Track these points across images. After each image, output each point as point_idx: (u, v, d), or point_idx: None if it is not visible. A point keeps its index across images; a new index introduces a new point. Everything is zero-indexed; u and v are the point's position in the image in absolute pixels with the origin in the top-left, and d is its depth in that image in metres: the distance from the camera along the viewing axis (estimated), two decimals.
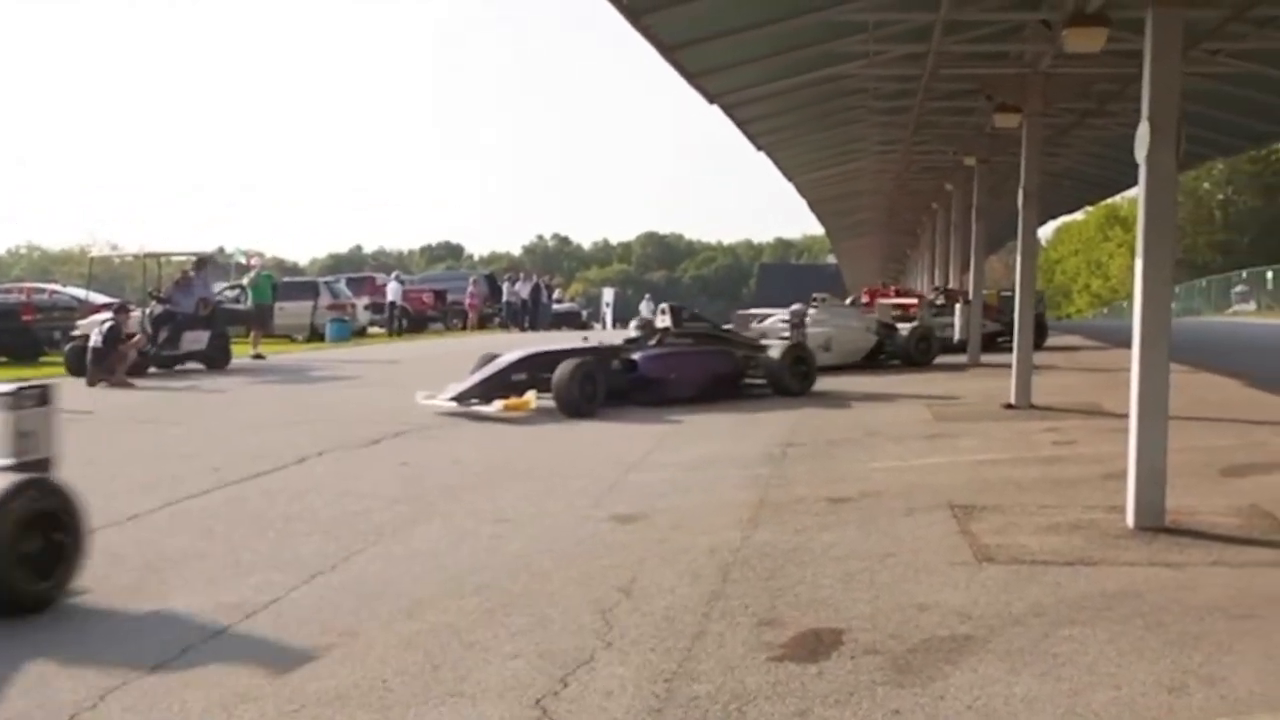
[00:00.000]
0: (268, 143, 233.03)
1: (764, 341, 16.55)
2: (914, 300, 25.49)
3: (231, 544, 6.95)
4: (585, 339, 16.16)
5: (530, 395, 13.19)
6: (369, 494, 8.51)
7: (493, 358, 14.17)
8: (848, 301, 27.00)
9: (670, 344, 14.89)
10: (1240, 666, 4.70)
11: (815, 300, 20.10)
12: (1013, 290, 15.97)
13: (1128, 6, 10.42)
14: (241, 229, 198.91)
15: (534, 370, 13.80)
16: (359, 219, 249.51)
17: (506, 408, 12.93)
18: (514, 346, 15.55)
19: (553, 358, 13.76)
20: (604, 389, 13.44)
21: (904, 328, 21.13)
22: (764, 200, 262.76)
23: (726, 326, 17.58)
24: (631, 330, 15.65)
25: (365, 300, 35.46)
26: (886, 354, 20.35)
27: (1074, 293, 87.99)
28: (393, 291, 35.50)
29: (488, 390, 13.39)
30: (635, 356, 14.39)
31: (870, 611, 5.48)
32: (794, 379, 15.22)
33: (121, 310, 18.44)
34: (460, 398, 13.31)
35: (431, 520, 7.64)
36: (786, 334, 17.50)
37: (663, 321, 15.15)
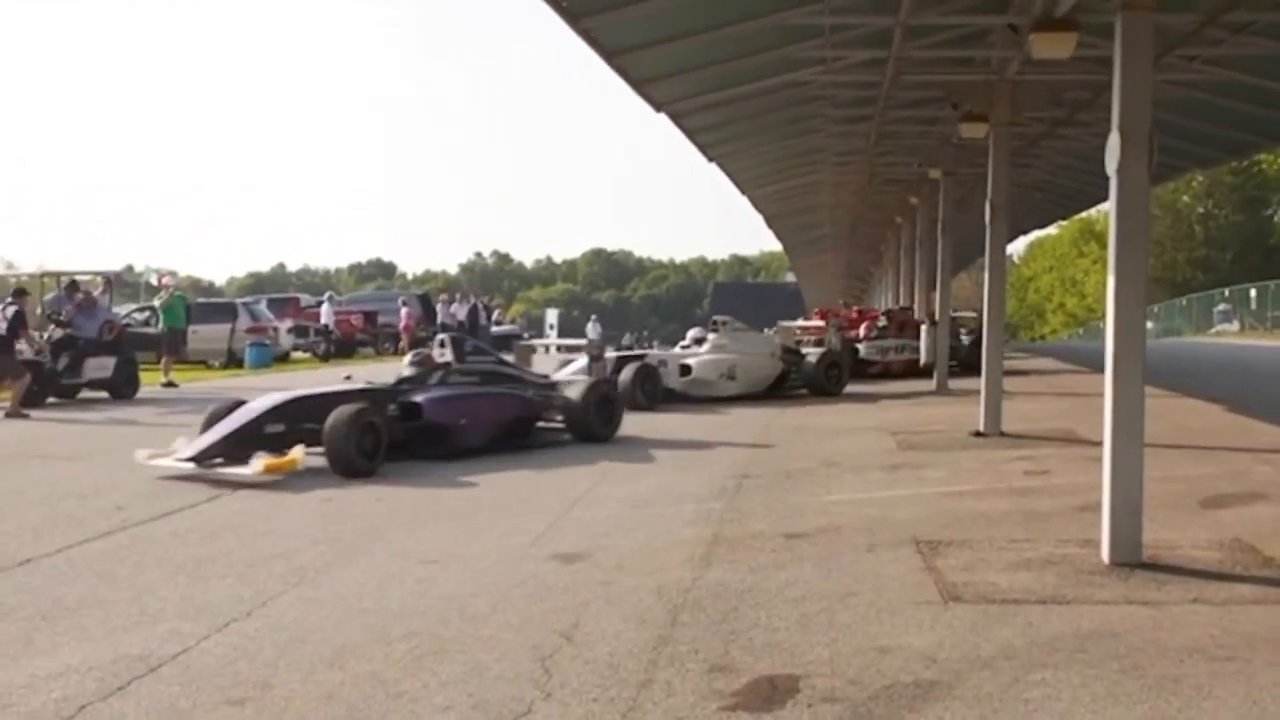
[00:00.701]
0: (181, 155, 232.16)
1: (564, 377, 15.75)
2: (821, 324, 25.74)
3: (136, 590, 6.84)
4: (348, 377, 14.85)
5: (297, 451, 10.89)
6: (288, 534, 8.42)
7: (236, 405, 11.94)
8: (797, 323, 27.19)
9: (455, 383, 13.22)
10: (1221, 713, 4.74)
11: (716, 324, 20.01)
12: (964, 310, 16.16)
13: (1097, 10, 10.60)
14: (152, 245, 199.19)
15: (295, 420, 11.66)
16: (282, 235, 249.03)
17: (268, 469, 10.57)
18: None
19: (320, 402, 11.76)
20: (386, 440, 11.47)
21: (814, 352, 21.24)
22: (718, 215, 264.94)
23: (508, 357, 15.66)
24: (407, 368, 13.33)
25: (288, 323, 35.18)
26: (793, 383, 20.29)
27: (1048, 312, 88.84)
28: (325, 314, 35.28)
29: (235, 446, 11.09)
30: (418, 399, 12.43)
31: (829, 655, 5.47)
32: (599, 422, 13.80)
33: (20, 294, 18.21)
34: (199, 457, 11.04)
35: (356, 561, 7.56)
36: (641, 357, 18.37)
37: (443, 355, 13.53)
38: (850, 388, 20.75)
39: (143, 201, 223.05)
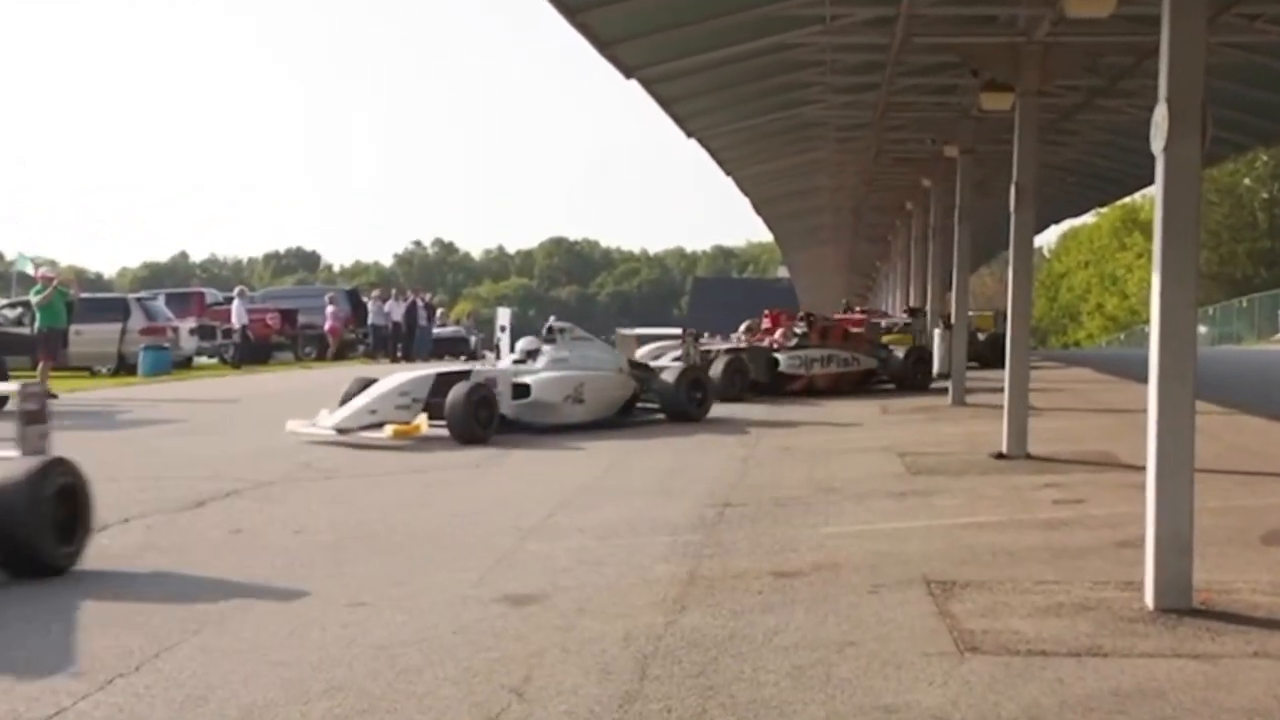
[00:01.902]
0: (74, 131, 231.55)
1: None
2: (677, 331, 25.27)
3: (5, 640, 6.76)
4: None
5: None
6: (191, 571, 8.35)
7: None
8: (740, 330, 26.84)
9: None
10: None
11: (552, 331, 18.34)
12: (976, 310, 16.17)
13: None
14: (30, 232, 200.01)
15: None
16: (184, 220, 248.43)
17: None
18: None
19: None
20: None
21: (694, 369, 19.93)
22: (698, 200, 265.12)
23: None
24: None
25: (191, 322, 34.98)
26: (644, 404, 18.82)
27: (1083, 314, 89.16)
28: (238, 312, 35.04)
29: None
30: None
31: (825, 715, 5.45)
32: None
33: None
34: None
35: (269, 604, 7.50)
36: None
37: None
38: (755, 410, 19.94)
39: (143, 201, 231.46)
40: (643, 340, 26.29)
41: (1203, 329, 52.66)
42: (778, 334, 24.00)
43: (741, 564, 8.51)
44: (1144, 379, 7.47)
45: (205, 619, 7.12)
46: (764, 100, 20.97)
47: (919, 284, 33.38)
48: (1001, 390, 14.87)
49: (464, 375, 16.58)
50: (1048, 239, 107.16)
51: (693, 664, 6.21)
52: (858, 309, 36.89)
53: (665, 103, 19.00)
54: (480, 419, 15.64)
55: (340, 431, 15.41)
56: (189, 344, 34.18)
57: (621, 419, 18.05)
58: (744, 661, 6.24)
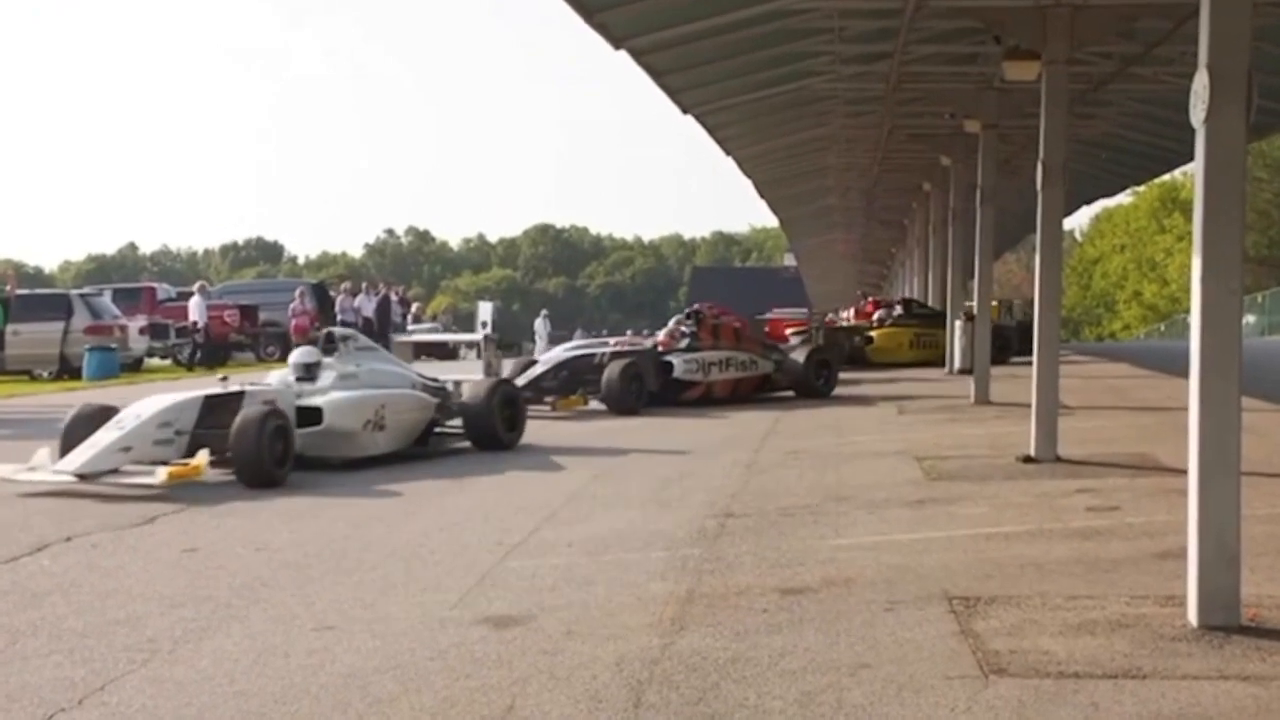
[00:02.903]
0: (12, 114, 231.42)
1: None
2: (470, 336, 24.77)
3: None
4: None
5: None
6: (139, 594, 8.32)
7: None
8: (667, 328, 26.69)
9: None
10: None
11: (333, 339, 15.88)
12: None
13: None
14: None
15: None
16: (133, 209, 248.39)
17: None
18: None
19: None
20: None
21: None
22: (696, 182, 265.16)
23: None
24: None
25: (141, 320, 34.94)
26: (442, 430, 16.60)
27: (1119, 303, 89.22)
28: (196, 309, 34.95)
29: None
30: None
31: None
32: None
33: None
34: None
35: (227, 629, 7.47)
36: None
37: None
38: (630, 429, 19.69)
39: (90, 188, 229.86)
40: (421, 349, 25.38)
41: (1249, 318, 52.62)
42: (662, 334, 23.23)
43: (745, 580, 8.49)
44: (1185, 373, 7.45)
45: (156, 646, 7.09)
46: (766, 72, 20.95)
47: (938, 272, 33.41)
48: (1012, 382, 14.83)
49: (238, 397, 13.77)
50: (1079, 221, 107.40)
51: (692, 690, 6.19)
52: (872, 299, 37.06)
53: (658, 75, 18.97)
54: (275, 454, 12.90)
55: (82, 478, 12.46)
56: (139, 344, 34.12)
57: (419, 449, 15.78)
58: (748, 687, 6.22)
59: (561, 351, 23.10)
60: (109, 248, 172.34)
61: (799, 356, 24.26)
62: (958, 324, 27.38)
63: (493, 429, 15.96)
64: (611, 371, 20.72)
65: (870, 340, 32.52)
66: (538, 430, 17.51)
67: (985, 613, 7.47)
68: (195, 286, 37.37)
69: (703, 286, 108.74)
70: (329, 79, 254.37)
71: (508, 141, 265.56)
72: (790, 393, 23.64)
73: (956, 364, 26.97)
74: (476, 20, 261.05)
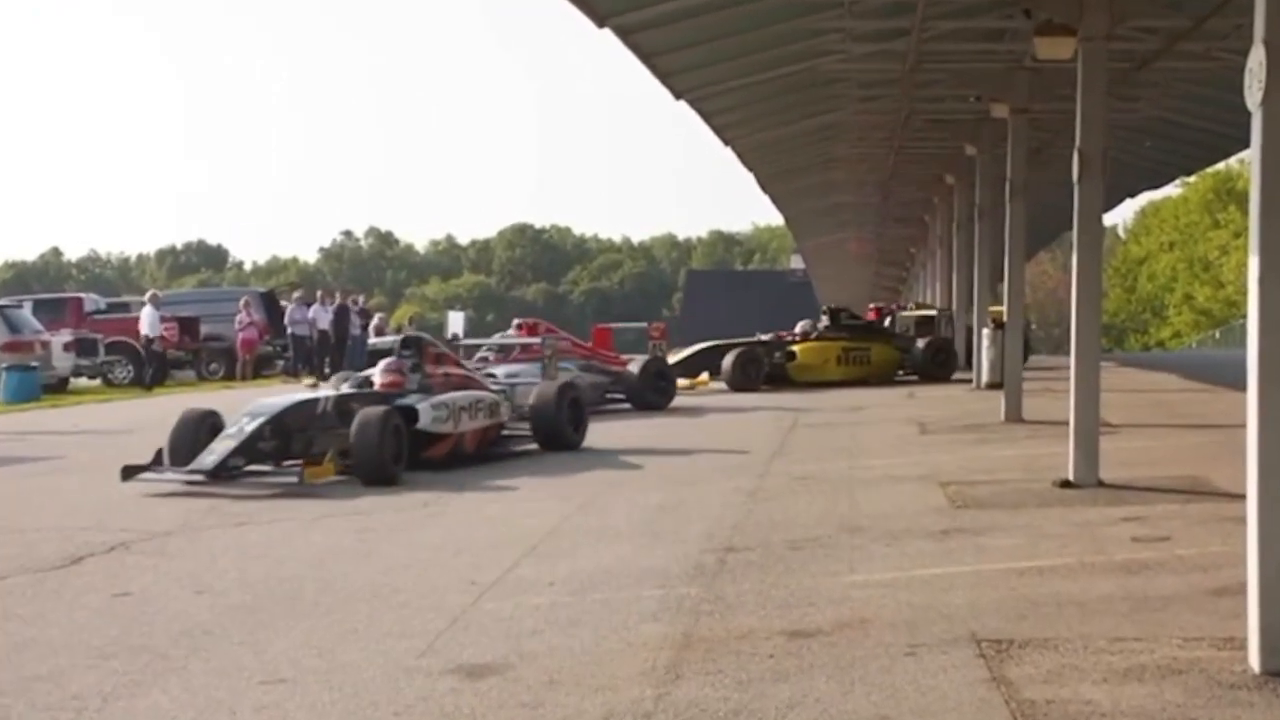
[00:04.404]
0: None
1: None
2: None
3: None
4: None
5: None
6: (62, 645, 8.29)
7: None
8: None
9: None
10: None
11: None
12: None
13: None
14: None
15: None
16: (57, 210, 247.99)
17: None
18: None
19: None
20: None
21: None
22: (691, 177, 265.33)
23: None
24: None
25: (66, 335, 34.80)
26: None
27: (1168, 308, 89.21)
28: (148, 321, 34.71)
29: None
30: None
31: None
32: None
33: None
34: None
35: (164, 683, 7.45)
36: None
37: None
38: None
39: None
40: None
41: None
42: (380, 374, 17.94)
43: (748, 622, 8.49)
44: (1242, 386, 7.45)
45: (82, 704, 7.07)
46: (769, 52, 20.99)
47: (963, 274, 33.45)
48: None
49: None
50: (1123, 216, 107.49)
51: None
52: (874, 306, 37.21)
53: (647, 57, 19.00)
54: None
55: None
56: (64, 362, 33.92)
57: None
58: None
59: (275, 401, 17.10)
60: (29, 253, 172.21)
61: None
62: (985, 333, 27.42)
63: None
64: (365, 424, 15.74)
65: (792, 356, 32.30)
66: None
67: (1019, 657, 7.47)
68: (146, 296, 37.20)
69: (699, 293, 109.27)
70: (275, 63, 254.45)
71: (480, 132, 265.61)
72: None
73: (984, 378, 27.01)
74: (448, 2, 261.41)
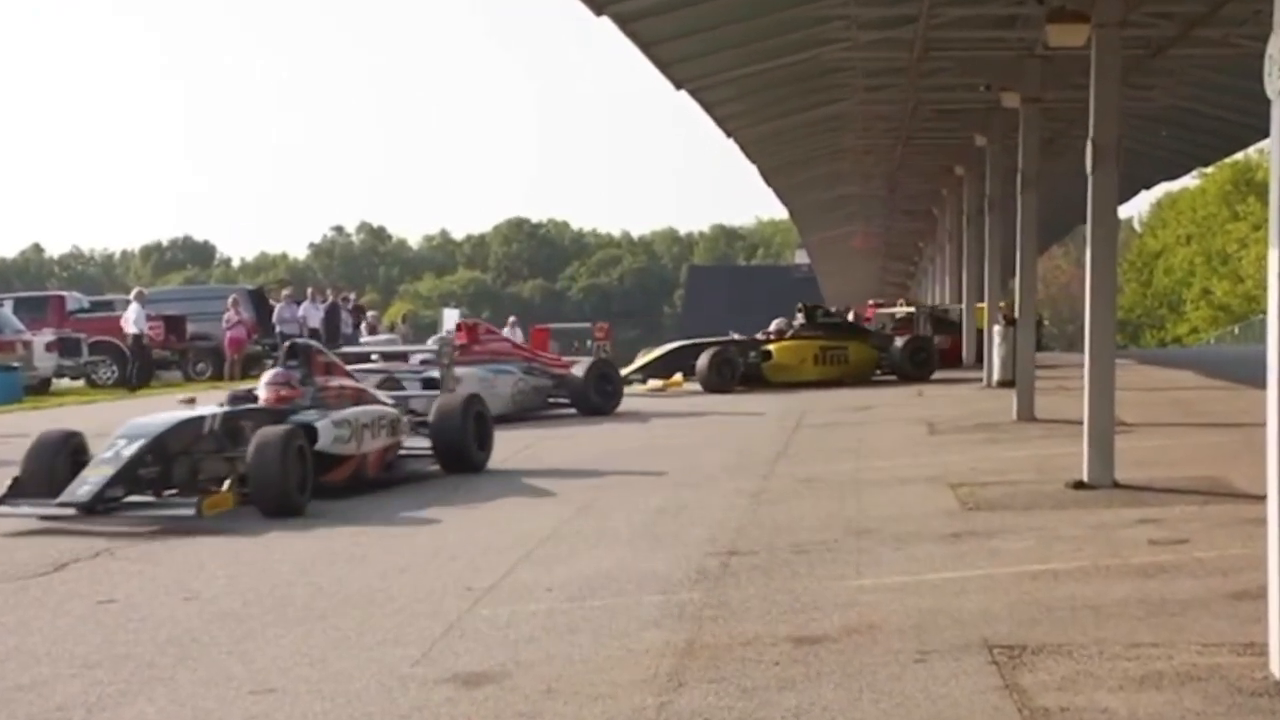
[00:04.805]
0: None
1: None
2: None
3: None
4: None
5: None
6: (45, 654, 8.29)
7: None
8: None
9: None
10: None
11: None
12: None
13: None
14: None
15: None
16: (38, 205, 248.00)
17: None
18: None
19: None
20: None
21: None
22: (693, 169, 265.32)
23: None
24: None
25: (48, 335, 34.78)
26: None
27: (1186, 303, 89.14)
28: (134, 318, 34.65)
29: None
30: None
31: None
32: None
33: None
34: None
35: (150, 693, 7.45)
36: None
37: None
38: None
39: None
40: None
41: None
42: (264, 380, 16.00)
43: (752, 628, 8.49)
44: (1262, 384, 7.44)
45: (66, 715, 7.07)
46: (772, 40, 20.99)
47: (973, 269, 33.45)
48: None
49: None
50: (1138, 209, 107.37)
51: None
52: (873, 302, 37.19)
53: (646, 46, 18.99)
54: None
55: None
56: (46, 363, 33.88)
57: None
58: None
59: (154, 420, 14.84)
60: (9, 250, 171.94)
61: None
62: (996, 330, 27.40)
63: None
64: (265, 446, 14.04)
65: (768, 356, 32.01)
66: None
67: (1032, 664, 7.47)
68: (132, 294, 37.17)
69: (701, 289, 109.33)
70: (264, 55, 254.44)
71: (474, 124, 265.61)
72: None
73: (995, 376, 27.00)
74: None
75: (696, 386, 30.30)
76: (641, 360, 32.40)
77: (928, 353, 32.52)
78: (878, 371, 32.52)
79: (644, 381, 31.26)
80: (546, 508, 13.80)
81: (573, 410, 25.11)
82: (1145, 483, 13.90)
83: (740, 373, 30.83)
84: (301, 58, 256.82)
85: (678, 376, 31.30)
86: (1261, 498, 7.50)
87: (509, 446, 18.22)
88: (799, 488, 14.76)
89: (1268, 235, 7.37)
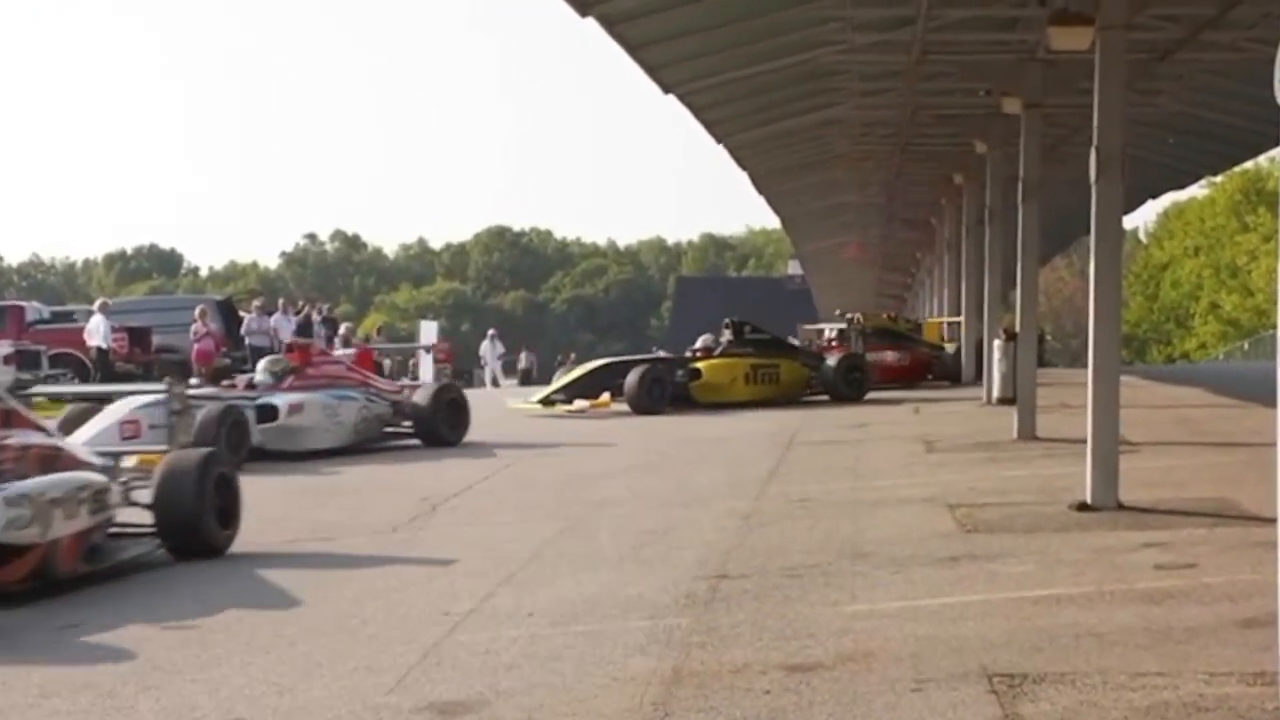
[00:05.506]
0: None
1: None
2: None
3: None
4: None
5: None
6: (1, 684, 8.28)
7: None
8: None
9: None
10: None
11: None
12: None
13: None
14: None
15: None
16: None
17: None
18: None
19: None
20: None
21: None
22: (682, 176, 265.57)
23: None
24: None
25: (6, 347, 34.70)
26: None
27: (1194, 317, 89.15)
28: (98, 330, 34.59)
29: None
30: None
31: None
32: None
33: None
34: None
35: None
36: None
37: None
38: None
39: None
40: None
41: None
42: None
43: (743, 655, 8.49)
44: (1272, 402, 7.44)
45: None
46: (763, 42, 21.01)
47: (972, 280, 33.47)
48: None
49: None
50: (1144, 219, 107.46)
51: None
52: (853, 316, 37.28)
53: (633, 49, 19.01)
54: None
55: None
56: (3, 375, 33.80)
57: None
58: None
59: None
60: None
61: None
62: (997, 344, 27.41)
63: None
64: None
65: (696, 374, 30.49)
66: None
67: (1033, 693, 7.47)
68: (95, 304, 37.09)
69: (690, 301, 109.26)
70: (232, 54, 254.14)
71: (453, 128, 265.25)
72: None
73: (995, 392, 27.01)
74: None
75: (625, 407, 28.89)
76: (563, 379, 31.54)
77: (861, 371, 31.52)
78: (807, 391, 31.51)
79: (568, 402, 29.91)
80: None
81: (416, 441, 23.04)
82: (1151, 504, 13.89)
83: (670, 393, 29.46)
84: (274, 59, 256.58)
85: (605, 396, 29.66)
86: (1272, 520, 7.52)
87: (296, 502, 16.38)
88: (792, 508, 14.76)
89: (1278, 247, 7.38)
